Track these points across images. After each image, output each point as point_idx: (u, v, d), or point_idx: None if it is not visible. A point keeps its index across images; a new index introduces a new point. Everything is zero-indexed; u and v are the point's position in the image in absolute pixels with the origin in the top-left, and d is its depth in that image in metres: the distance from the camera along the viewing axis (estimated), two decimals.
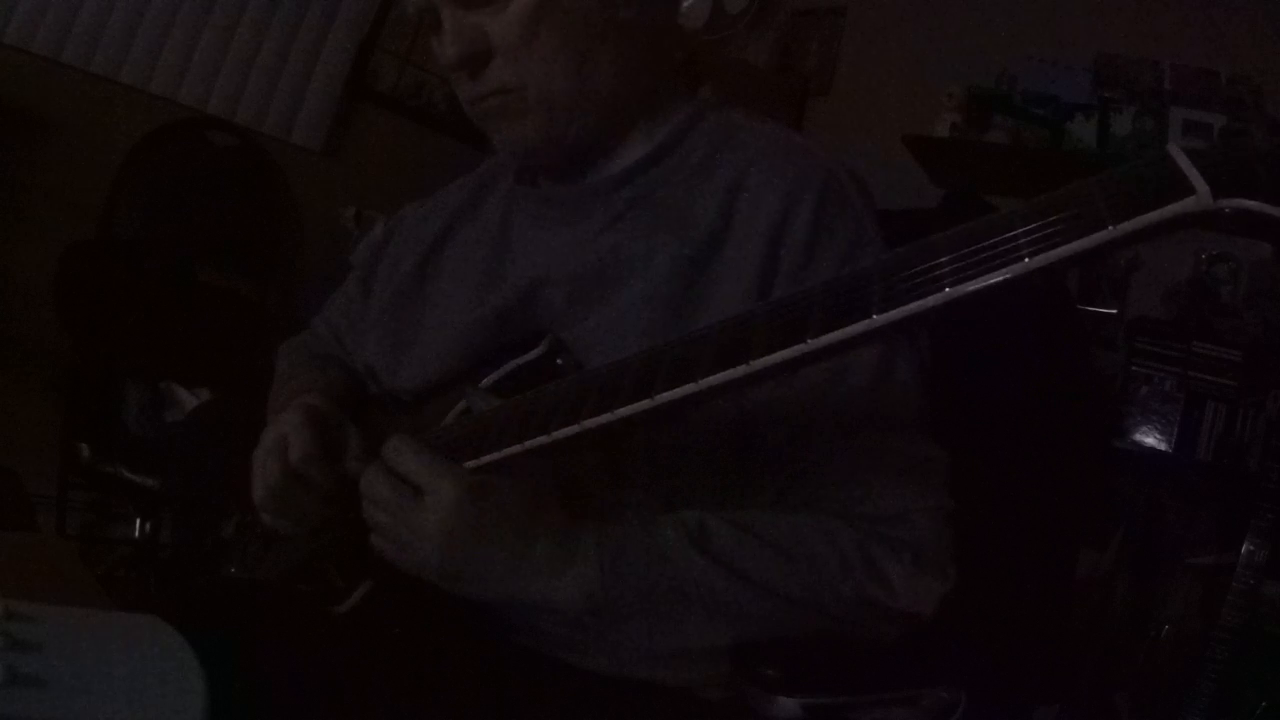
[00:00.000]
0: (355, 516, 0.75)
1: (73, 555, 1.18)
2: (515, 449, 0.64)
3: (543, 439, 0.61)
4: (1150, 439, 2.19)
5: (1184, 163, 0.43)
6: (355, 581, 0.74)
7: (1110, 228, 0.43)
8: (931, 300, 0.46)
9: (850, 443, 0.73)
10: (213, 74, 2.58)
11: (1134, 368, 2.23)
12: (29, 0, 2.27)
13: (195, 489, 1.03)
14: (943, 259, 0.47)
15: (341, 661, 0.67)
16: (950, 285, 0.46)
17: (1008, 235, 0.46)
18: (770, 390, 0.72)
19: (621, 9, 0.78)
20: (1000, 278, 0.45)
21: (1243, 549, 1.74)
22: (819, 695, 0.70)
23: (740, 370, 0.52)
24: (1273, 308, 2.26)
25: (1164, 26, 2.49)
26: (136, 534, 2.22)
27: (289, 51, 2.70)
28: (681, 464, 0.74)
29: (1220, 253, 2.38)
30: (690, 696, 0.72)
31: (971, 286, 0.46)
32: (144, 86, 2.47)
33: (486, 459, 0.66)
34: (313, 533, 0.81)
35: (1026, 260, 0.44)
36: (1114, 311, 2.38)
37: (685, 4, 3.05)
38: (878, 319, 0.48)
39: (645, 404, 0.56)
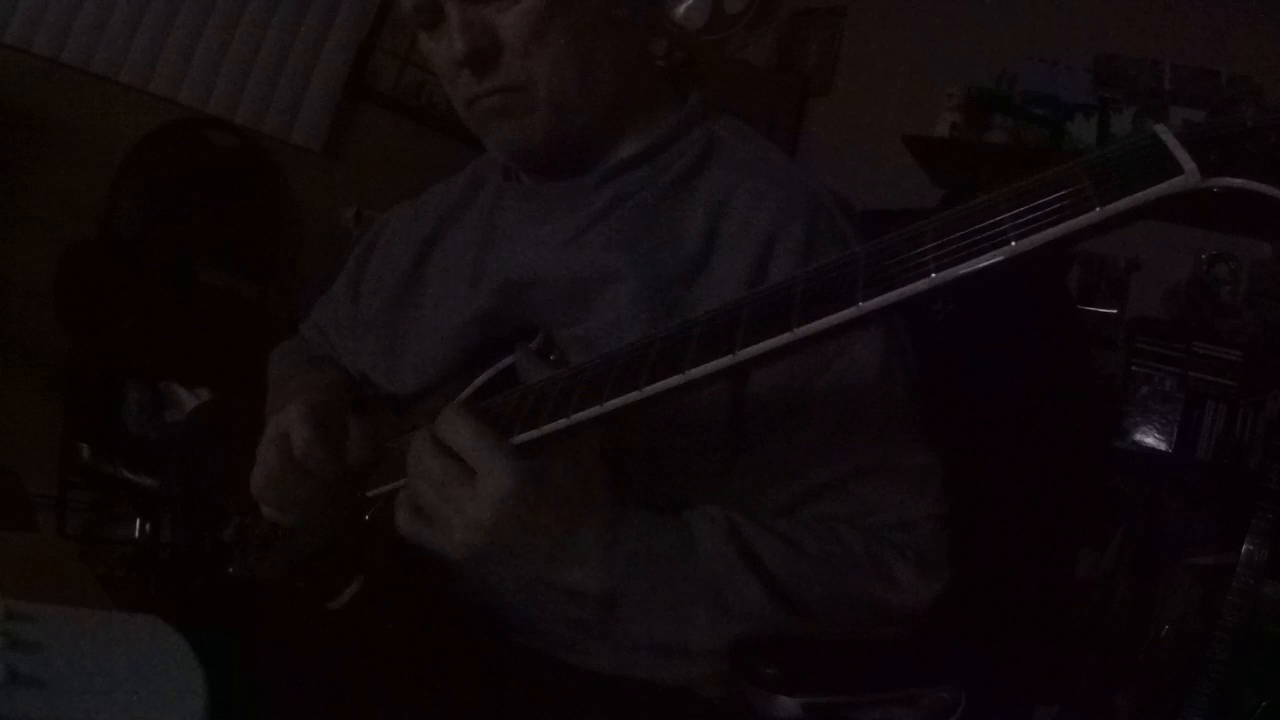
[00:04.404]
0: (353, 512, 0.75)
1: (73, 555, 1.18)
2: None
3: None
4: (1150, 439, 2.19)
5: (1172, 142, 0.42)
6: (350, 578, 0.74)
7: (1098, 209, 0.42)
8: (917, 285, 0.45)
9: (849, 448, 0.73)
10: (213, 74, 2.57)
11: (1134, 368, 2.23)
12: (29, 0, 2.27)
13: (195, 489, 1.03)
14: (928, 244, 0.46)
15: (341, 661, 0.67)
16: (936, 271, 0.45)
17: (994, 219, 0.45)
18: (762, 393, 0.72)
19: (617, 7, 0.78)
20: (986, 262, 0.44)
21: (1243, 549, 1.74)
22: (819, 695, 0.70)
23: (727, 360, 0.51)
24: (1273, 308, 2.27)
25: (1164, 26, 2.50)
26: (136, 534, 2.21)
27: (289, 51, 2.69)
28: (677, 466, 0.74)
29: (1220, 253, 2.38)
30: (690, 696, 0.72)
31: (960, 270, 0.44)
32: (144, 86, 2.46)
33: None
34: (311, 532, 0.81)
35: (1013, 244, 0.43)
36: (1114, 311, 2.39)
37: (684, 4, 3.05)
38: (863, 306, 0.46)
39: (634, 396, 0.54)
